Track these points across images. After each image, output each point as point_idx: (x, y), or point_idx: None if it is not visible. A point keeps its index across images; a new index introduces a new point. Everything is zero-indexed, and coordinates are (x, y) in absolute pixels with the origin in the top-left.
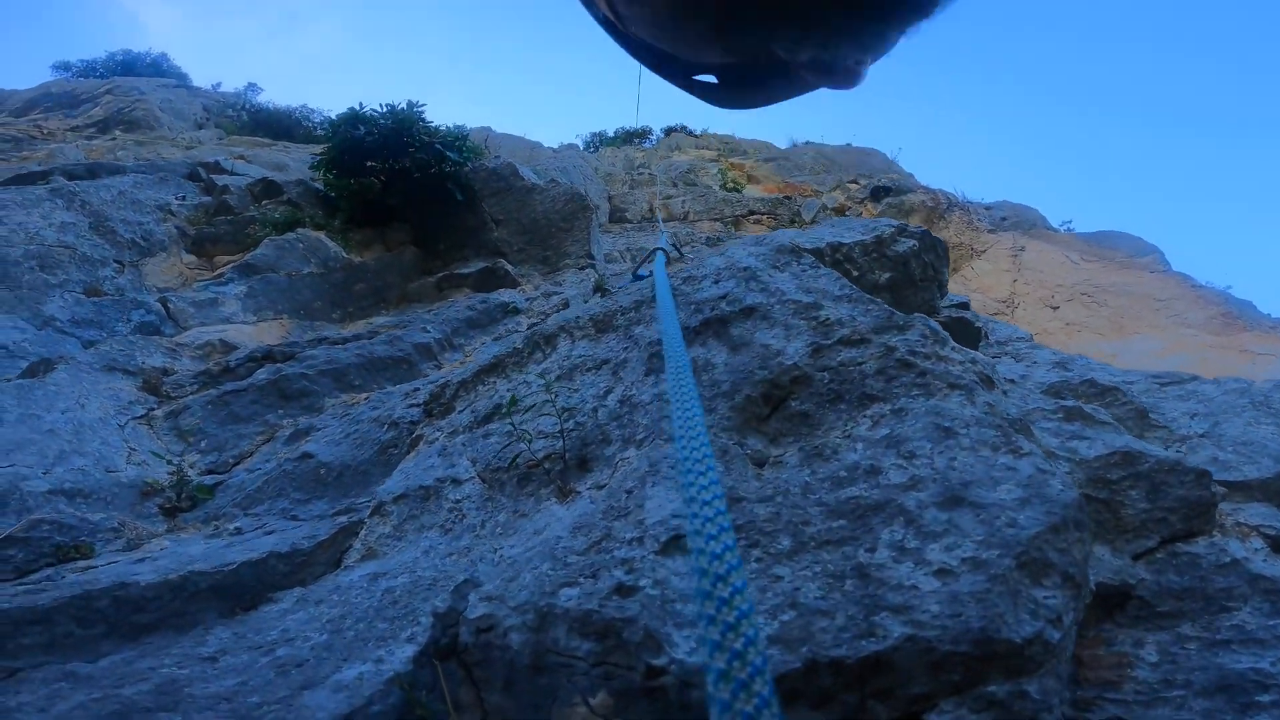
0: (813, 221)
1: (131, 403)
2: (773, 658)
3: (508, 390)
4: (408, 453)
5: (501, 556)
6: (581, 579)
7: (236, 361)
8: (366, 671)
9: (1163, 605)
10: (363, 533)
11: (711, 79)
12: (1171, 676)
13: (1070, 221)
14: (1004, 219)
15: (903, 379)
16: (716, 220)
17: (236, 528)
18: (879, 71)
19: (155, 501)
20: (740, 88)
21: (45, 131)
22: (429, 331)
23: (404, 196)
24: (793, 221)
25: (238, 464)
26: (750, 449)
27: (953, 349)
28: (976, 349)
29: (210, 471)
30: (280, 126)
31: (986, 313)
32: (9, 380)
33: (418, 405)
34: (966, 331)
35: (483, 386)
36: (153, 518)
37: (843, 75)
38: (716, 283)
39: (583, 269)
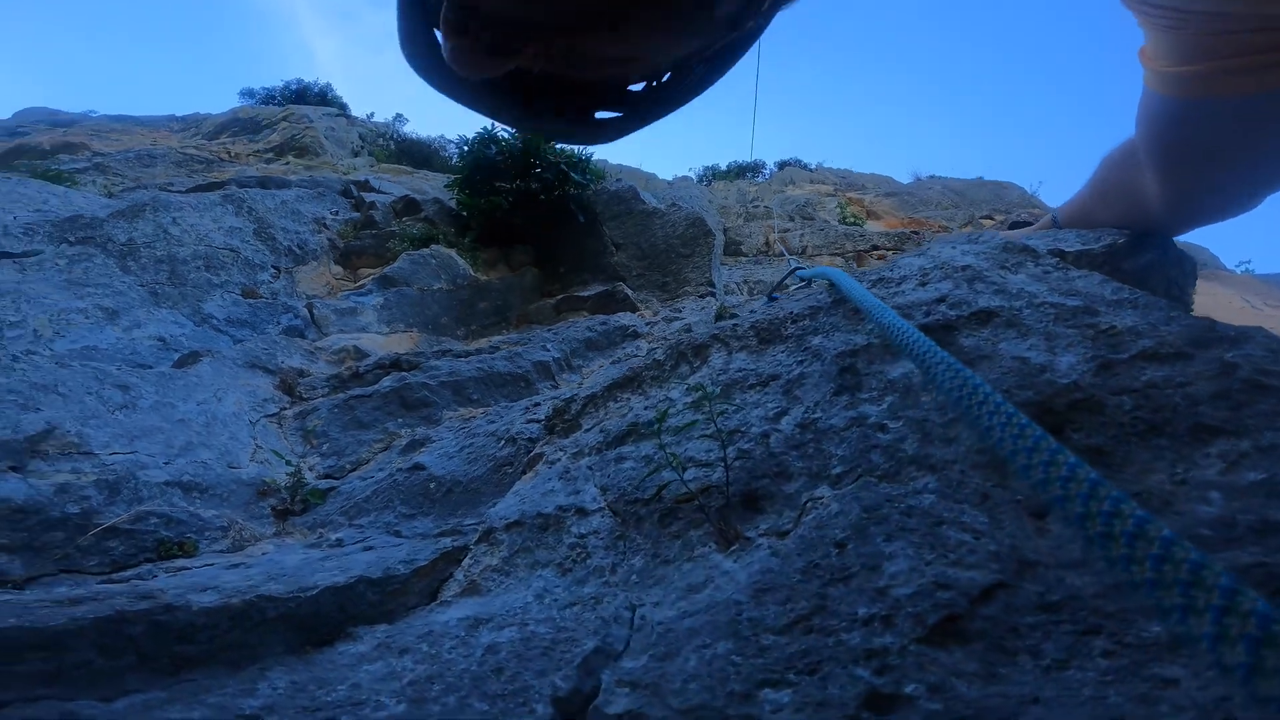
0: None
1: (265, 400)
2: None
3: (645, 408)
4: (524, 472)
5: (644, 619)
6: (791, 675)
7: (366, 368)
8: None
9: None
10: (466, 561)
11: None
12: None
13: (1249, 262)
14: None
15: (1259, 406)
16: (836, 255)
17: (338, 539)
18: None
19: (269, 502)
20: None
21: (231, 154)
22: (549, 350)
23: (528, 216)
24: None
25: (354, 470)
26: (1020, 493)
27: None
28: None
29: (327, 475)
30: (420, 155)
31: None
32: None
33: (538, 421)
34: None
35: (614, 403)
36: (264, 519)
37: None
38: (923, 285)
39: (702, 297)
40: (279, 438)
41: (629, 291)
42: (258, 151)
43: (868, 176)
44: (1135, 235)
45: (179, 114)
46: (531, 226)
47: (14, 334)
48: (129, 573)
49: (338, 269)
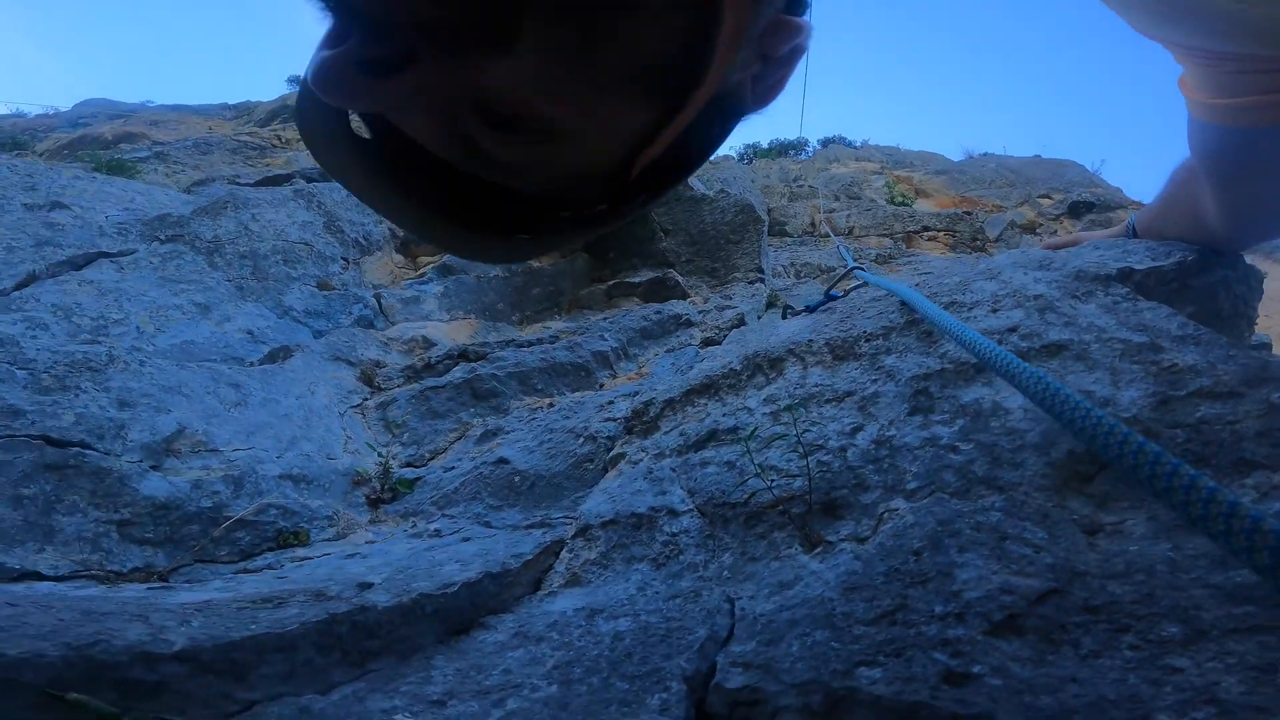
0: (998, 240)
1: (350, 392)
2: None
3: (723, 414)
4: (605, 470)
5: (744, 610)
6: (883, 658)
7: (436, 358)
8: None
9: None
10: (565, 555)
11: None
12: None
13: None
14: None
15: None
16: (885, 235)
17: (435, 529)
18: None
19: (363, 491)
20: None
21: (283, 140)
22: (606, 340)
23: None
24: (974, 239)
25: (433, 459)
26: (1075, 513)
27: None
28: None
29: (409, 464)
30: None
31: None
32: (252, 364)
33: (614, 420)
34: None
35: (692, 408)
36: (359, 507)
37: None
38: (995, 312)
39: (752, 283)
40: (364, 428)
41: (679, 278)
42: None
43: (916, 154)
44: (1204, 251)
45: (230, 101)
46: None
47: (119, 330)
48: (258, 561)
49: (399, 258)
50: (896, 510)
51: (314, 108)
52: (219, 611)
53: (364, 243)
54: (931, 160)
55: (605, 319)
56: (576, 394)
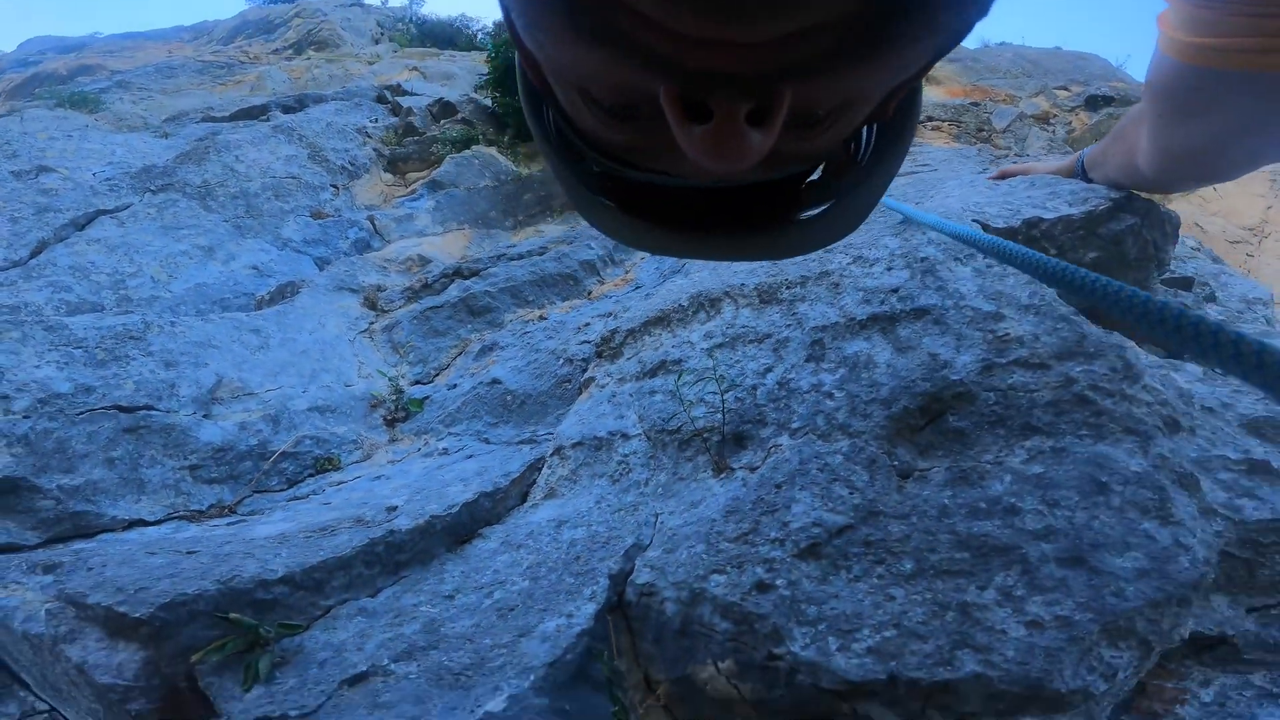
0: (1006, 130)
1: (356, 319)
2: (864, 666)
3: (673, 345)
4: (580, 392)
5: (662, 525)
6: (729, 568)
7: (433, 278)
8: (562, 625)
9: (1249, 654)
10: (545, 471)
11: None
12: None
13: None
14: None
15: (1074, 415)
16: None
17: (444, 448)
18: None
19: (379, 413)
20: (648, 213)
21: (251, 55)
22: (593, 249)
23: None
24: (980, 130)
25: (438, 375)
26: (899, 460)
27: (1143, 387)
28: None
29: (417, 383)
30: (444, 36)
31: (1227, 240)
32: (262, 299)
33: (589, 343)
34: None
35: (649, 337)
36: (378, 428)
37: (724, 112)
38: (889, 269)
39: None
40: (374, 351)
41: None
42: (276, 50)
43: None
44: (1121, 199)
45: (186, 24)
46: None
47: (135, 282)
48: (304, 488)
49: (388, 176)
50: (780, 446)
51: (573, 184)
52: (293, 543)
53: (350, 167)
54: None
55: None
56: (566, 303)
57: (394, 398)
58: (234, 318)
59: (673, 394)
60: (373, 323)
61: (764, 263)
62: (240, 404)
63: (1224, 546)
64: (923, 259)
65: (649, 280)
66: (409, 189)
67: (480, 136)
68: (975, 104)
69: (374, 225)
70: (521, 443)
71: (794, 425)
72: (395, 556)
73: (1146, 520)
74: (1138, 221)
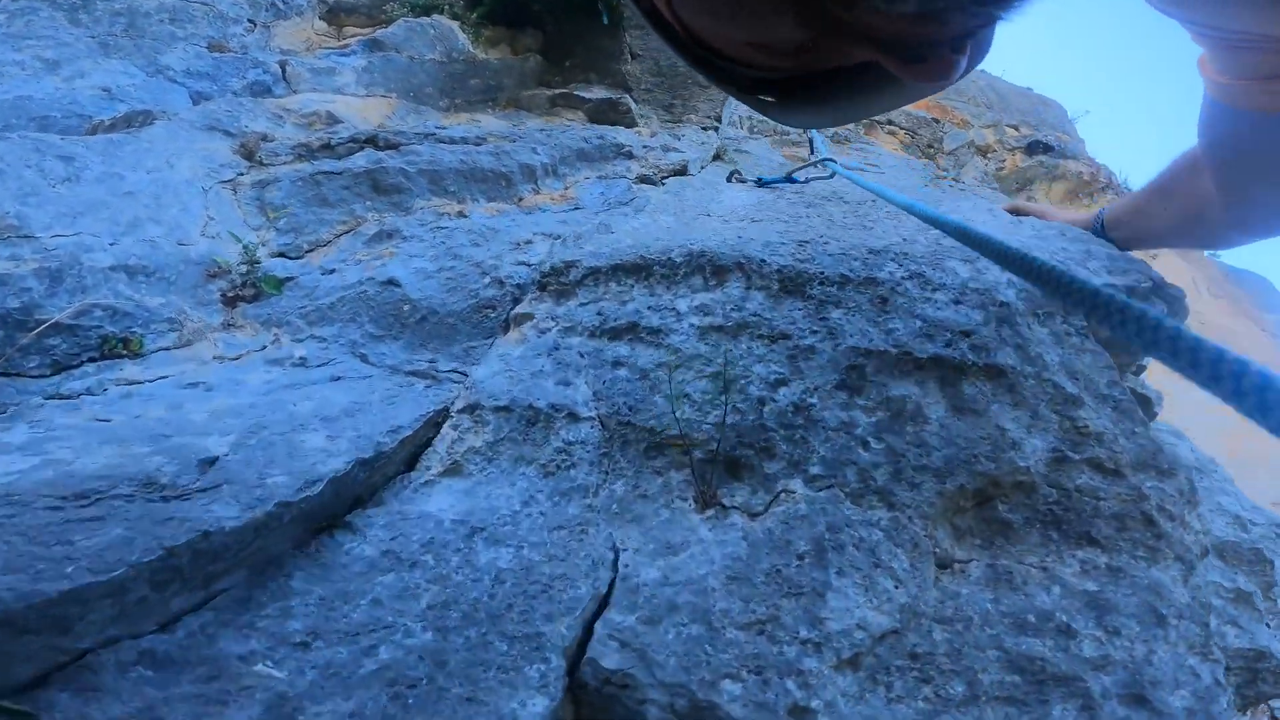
0: (951, 154)
1: (222, 165)
2: None
3: (649, 307)
4: (507, 329)
5: (629, 571)
6: (746, 674)
7: (338, 140)
8: None
9: None
10: (449, 431)
11: (770, 98)
12: None
13: (1217, 253)
14: None
15: (1135, 534)
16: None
17: (301, 356)
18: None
19: (219, 285)
20: (807, 100)
21: None
22: (538, 154)
23: (548, 2)
24: (930, 146)
25: (311, 252)
26: (938, 545)
27: (1196, 515)
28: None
29: (282, 255)
30: None
31: None
32: (101, 125)
33: (528, 265)
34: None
35: (617, 285)
36: (211, 305)
37: (936, 53)
38: (958, 303)
39: (705, 129)
40: (233, 207)
41: (632, 104)
42: None
43: None
44: (1159, 281)
45: None
46: (548, 14)
47: None
48: (75, 383)
49: (322, 25)
50: (794, 493)
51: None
52: (21, 529)
53: (280, 5)
54: None
55: (543, 130)
56: (491, 204)
57: (244, 269)
58: (39, 138)
59: (645, 375)
60: (243, 174)
61: (791, 241)
62: (7, 248)
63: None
64: (1001, 304)
65: (591, 203)
66: (341, 43)
67: (445, 6)
68: (936, 120)
69: (284, 71)
70: (414, 374)
71: (812, 470)
72: (208, 567)
73: (1192, 656)
74: (1166, 308)
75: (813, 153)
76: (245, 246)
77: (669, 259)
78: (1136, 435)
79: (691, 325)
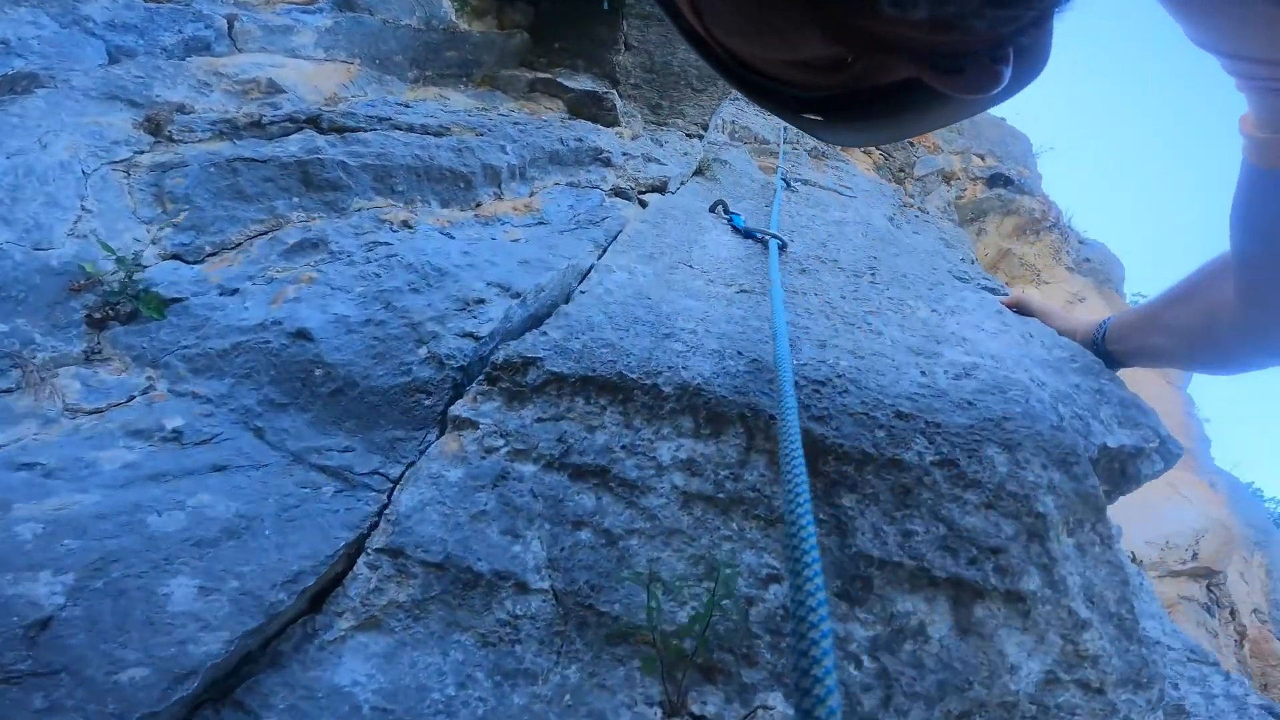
0: (920, 179)
1: (116, 143)
2: None
3: (624, 450)
4: (447, 430)
5: None
6: None
7: (273, 118)
8: None
9: None
10: (366, 573)
11: (817, 117)
12: None
13: (1141, 295)
14: (1087, 260)
15: None
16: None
17: (174, 430)
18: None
19: (84, 301)
20: (853, 118)
21: None
22: (506, 153)
23: None
24: (900, 170)
25: (214, 255)
26: None
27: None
28: None
29: (175, 258)
30: None
31: None
32: None
33: (479, 340)
34: None
35: (586, 404)
36: (71, 329)
37: (975, 63)
38: (990, 508)
39: (690, 137)
40: (121, 195)
41: (617, 101)
42: None
43: None
44: (1163, 440)
45: None
46: None
47: None
48: None
49: None
50: (772, 710)
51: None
52: None
53: None
54: None
55: (516, 124)
56: (446, 210)
57: (121, 277)
58: None
59: (613, 540)
60: (142, 153)
61: (807, 379)
62: None
63: None
64: (1037, 515)
65: (558, 218)
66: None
67: None
68: (910, 143)
69: (230, 27)
70: (322, 470)
71: (797, 682)
72: None
73: None
74: (1163, 467)
75: (783, 180)
76: (122, 257)
77: (654, 385)
78: (1129, 653)
79: (674, 487)
